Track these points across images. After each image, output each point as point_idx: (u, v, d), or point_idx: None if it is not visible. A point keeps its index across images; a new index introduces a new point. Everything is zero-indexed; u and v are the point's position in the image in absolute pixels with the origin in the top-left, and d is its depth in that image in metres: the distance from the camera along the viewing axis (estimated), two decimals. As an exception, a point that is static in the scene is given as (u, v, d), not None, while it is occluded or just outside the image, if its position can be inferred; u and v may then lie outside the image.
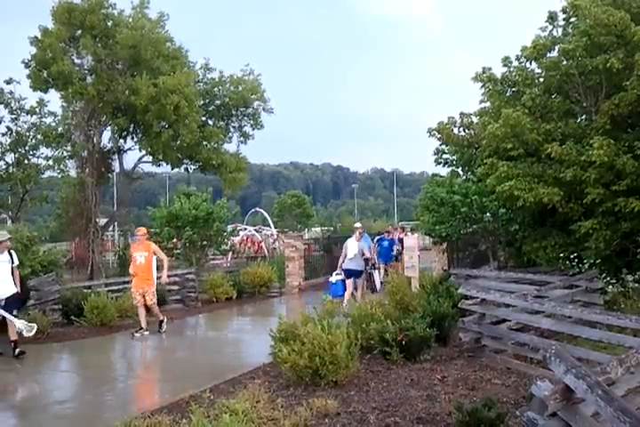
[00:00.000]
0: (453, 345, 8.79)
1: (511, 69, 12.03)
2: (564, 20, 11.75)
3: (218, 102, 21.50)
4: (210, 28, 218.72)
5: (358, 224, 15.99)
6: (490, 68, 12.30)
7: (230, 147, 21.85)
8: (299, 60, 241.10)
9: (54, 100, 18.40)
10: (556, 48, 11.19)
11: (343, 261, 13.71)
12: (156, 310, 11.67)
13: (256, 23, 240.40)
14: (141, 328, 11.21)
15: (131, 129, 19.25)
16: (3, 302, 9.32)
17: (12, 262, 9.62)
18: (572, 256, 10.70)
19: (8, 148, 16.97)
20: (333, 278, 13.96)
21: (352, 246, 13.67)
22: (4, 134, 16.99)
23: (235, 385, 7.07)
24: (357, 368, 7.24)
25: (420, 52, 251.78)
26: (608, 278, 10.47)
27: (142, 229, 12.07)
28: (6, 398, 7.45)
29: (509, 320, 8.02)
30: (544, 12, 11.92)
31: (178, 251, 17.26)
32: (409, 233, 19.12)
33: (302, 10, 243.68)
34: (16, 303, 9.58)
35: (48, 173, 17.87)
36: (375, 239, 18.28)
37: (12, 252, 9.78)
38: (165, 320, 11.68)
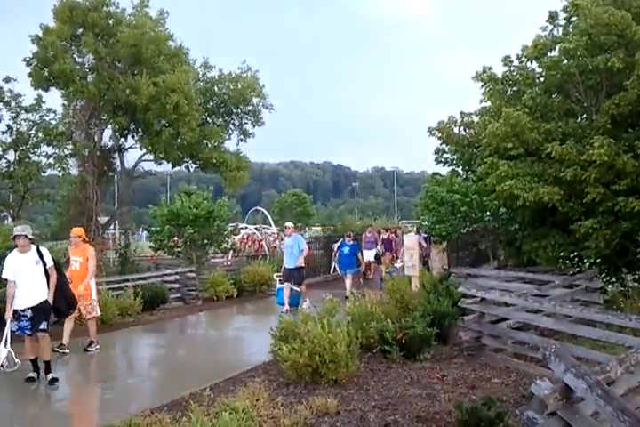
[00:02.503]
0: (453, 344, 8.81)
1: (512, 69, 12.04)
2: (564, 19, 11.76)
3: (218, 100, 21.50)
4: (208, 27, 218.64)
5: (289, 224, 15.19)
6: (490, 68, 12.31)
7: (231, 145, 21.88)
8: (299, 59, 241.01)
9: (55, 98, 18.43)
10: (557, 47, 11.20)
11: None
12: (93, 328, 9.59)
13: (255, 23, 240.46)
14: (62, 344, 9.25)
15: (131, 127, 19.24)
16: (28, 313, 7.58)
17: (44, 263, 7.79)
18: (571, 255, 10.70)
19: (9, 146, 16.99)
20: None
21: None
22: (4, 132, 17.02)
23: (235, 383, 7.09)
24: (357, 367, 7.26)
25: (419, 52, 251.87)
26: (608, 278, 10.48)
27: (77, 230, 10.11)
28: (6, 397, 7.46)
29: (509, 319, 8.04)
30: (544, 11, 11.95)
31: (178, 249, 17.28)
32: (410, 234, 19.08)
33: (302, 9, 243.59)
34: (45, 315, 7.68)
35: (49, 172, 17.90)
36: (335, 245, 17.48)
37: (43, 250, 7.98)
38: (97, 346, 9.55)
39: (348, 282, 15.50)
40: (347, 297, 13.23)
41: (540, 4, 12.83)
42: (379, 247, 18.93)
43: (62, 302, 7.98)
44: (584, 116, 11.39)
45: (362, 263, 16.65)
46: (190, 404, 5.56)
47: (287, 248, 13.96)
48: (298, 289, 13.43)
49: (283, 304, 13.07)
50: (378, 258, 19.07)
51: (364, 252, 18.89)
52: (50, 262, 7.85)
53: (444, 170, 14.13)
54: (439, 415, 5.73)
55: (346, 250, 15.97)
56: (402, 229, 25.18)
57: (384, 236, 19.78)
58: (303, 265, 13.67)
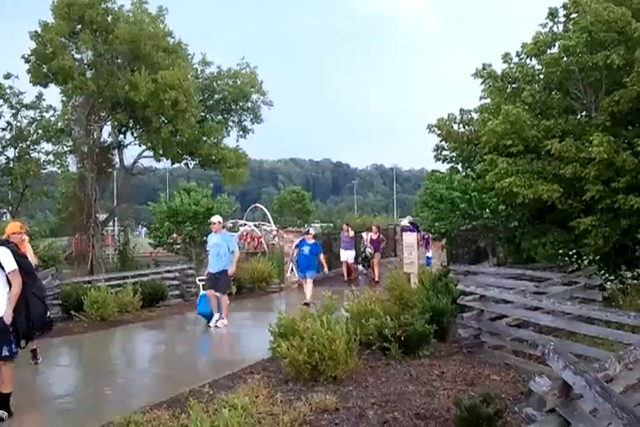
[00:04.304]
0: (452, 341, 8.82)
1: (511, 66, 12.04)
2: (564, 16, 11.76)
3: (217, 97, 21.52)
4: (205, 27, 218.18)
5: (215, 218, 12.20)
6: (490, 65, 12.30)
7: (230, 142, 21.89)
8: (298, 56, 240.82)
9: (54, 94, 18.41)
10: (557, 44, 11.19)
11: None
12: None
13: (253, 19, 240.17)
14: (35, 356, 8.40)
15: (130, 124, 19.25)
16: None
17: (2, 268, 5.96)
18: (570, 253, 10.72)
19: (8, 142, 17.01)
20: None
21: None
22: (4, 129, 17.03)
23: (234, 380, 7.09)
24: (356, 364, 7.26)
25: (418, 49, 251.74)
26: (607, 275, 10.49)
27: (19, 226, 8.10)
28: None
29: (508, 316, 8.04)
30: (544, 8, 11.95)
31: (178, 246, 17.30)
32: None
33: (300, 7, 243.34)
34: (2, 338, 5.95)
35: (48, 168, 17.92)
36: (294, 244, 15.45)
37: (4, 249, 6.07)
38: (38, 352, 8.41)
39: (308, 287, 13.63)
40: (306, 304, 12.15)
41: (540, 1, 12.84)
42: (368, 249, 18.28)
43: (22, 322, 6.01)
44: (584, 113, 11.40)
45: (324, 266, 14.35)
46: (190, 400, 5.56)
47: (213, 248, 11.58)
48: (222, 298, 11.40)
49: (205, 315, 11.44)
50: (367, 260, 18.58)
51: (342, 252, 18.54)
52: (10, 267, 5.97)
53: (444, 167, 14.13)
54: (438, 412, 5.73)
55: (306, 250, 13.78)
56: (401, 227, 25.08)
57: (373, 236, 18.72)
58: (228, 269, 11.49)
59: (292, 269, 16.05)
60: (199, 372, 7.82)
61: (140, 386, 7.70)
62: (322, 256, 13.96)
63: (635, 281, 10.74)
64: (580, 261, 10.57)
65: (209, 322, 11.16)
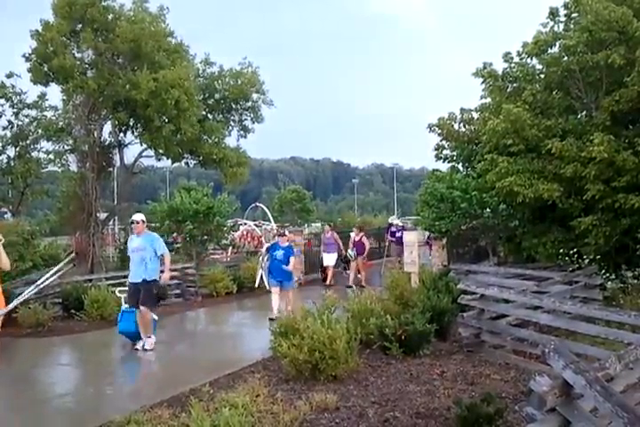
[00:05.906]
0: (453, 340, 8.83)
1: (512, 65, 12.04)
2: (565, 15, 11.76)
3: (218, 96, 21.49)
4: (206, 23, 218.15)
5: (137, 216, 9.62)
6: (491, 64, 12.30)
7: (231, 141, 21.86)
8: (298, 56, 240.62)
9: (55, 93, 18.42)
10: (557, 44, 11.20)
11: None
12: None
13: (254, 18, 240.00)
14: None
15: (131, 123, 19.21)
16: None
17: None
18: (571, 252, 10.72)
19: (9, 141, 17.01)
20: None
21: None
22: (5, 128, 17.04)
23: (234, 379, 7.09)
24: (357, 363, 7.27)
25: (418, 49, 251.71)
26: (607, 274, 10.50)
27: None
28: (6, 391, 7.47)
29: (509, 316, 8.05)
30: (545, 7, 11.95)
31: (178, 245, 17.29)
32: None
33: (299, 7, 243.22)
34: None
35: (49, 168, 17.92)
36: (264, 247, 13.58)
37: None
38: None
39: (290, 295, 11.51)
40: (272, 319, 10.18)
41: (541, 1, 12.83)
42: (350, 251, 17.36)
43: None
44: (584, 112, 11.40)
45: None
46: (190, 399, 5.57)
47: (135, 252, 9.35)
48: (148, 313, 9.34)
49: (127, 334, 9.71)
50: (347, 262, 17.88)
51: (324, 255, 17.75)
52: None
53: (444, 166, 14.14)
54: (438, 411, 5.74)
55: (279, 254, 11.60)
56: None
57: (356, 238, 17.54)
58: (154, 279, 9.31)
59: (260, 278, 13.17)
60: (199, 371, 7.81)
61: (141, 385, 7.71)
62: (292, 259, 11.72)
63: (635, 280, 10.75)
64: (580, 261, 10.57)
65: (135, 343, 9.53)
